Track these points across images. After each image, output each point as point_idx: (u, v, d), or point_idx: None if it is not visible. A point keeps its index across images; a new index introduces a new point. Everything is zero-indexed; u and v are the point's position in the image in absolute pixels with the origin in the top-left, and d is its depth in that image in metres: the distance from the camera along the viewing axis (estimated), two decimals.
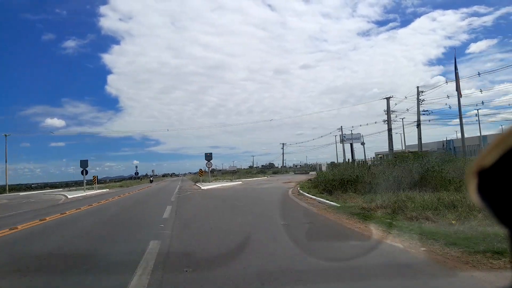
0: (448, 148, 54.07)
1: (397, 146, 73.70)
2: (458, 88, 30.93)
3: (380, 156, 72.11)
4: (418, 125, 35.77)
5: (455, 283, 3.30)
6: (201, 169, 32.87)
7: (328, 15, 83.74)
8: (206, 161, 31.89)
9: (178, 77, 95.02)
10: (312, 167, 80.00)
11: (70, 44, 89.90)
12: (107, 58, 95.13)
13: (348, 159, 60.92)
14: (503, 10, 66.18)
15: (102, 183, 54.86)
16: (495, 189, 0.51)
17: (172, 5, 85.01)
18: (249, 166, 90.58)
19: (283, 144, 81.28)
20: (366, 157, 66.50)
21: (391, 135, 37.63)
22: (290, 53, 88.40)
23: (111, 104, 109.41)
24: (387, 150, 67.92)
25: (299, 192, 16.50)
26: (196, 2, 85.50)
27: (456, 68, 32.59)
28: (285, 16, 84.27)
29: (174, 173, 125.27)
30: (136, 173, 69.67)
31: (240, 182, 33.23)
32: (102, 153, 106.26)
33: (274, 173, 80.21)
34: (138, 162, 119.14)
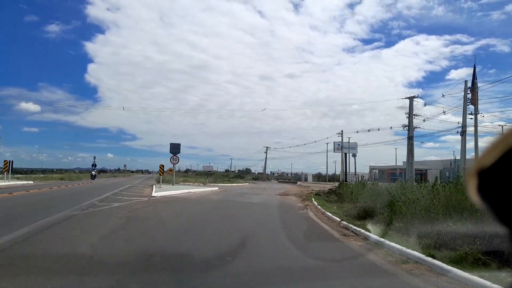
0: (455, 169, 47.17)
1: (391, 162, 67.83)
2: (475, 102, 23.97)
3: (374, 170, 65.37)
4: (409, 141, 28.00)
5: None
6: (162, 166, 23.18)
7: (317, 28, 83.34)
8: (172, 155, 22.34)
9: (160, 73, 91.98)
10: (297, 177, 72.12)
11: (54, 28, 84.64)
12: (90, 47, 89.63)
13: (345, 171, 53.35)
14: (483, 41, 69.31)
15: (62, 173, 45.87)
16: (495, 189, 0.51)
17: (162, 1, 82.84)
18: (226, 170, 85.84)
19: (266, 148, 72.73)
20: (356, 171, 59.36)
21: (412, 144, 29.81)
22: (276, 61, 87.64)
23: (89, 93, 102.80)
24: (381, 164, 60.22)
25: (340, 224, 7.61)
26: (187, 0, 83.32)
27: (475, 78, 25.56)
28: (274, 24, 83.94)
29: (147, 170, 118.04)
30: (94, 165, 58.35)
31: (216, 189, 23.98)
32: (75, 143, 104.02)
33: (255, 179, 71.92)
34: (112, 155, 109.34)
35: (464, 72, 72.98)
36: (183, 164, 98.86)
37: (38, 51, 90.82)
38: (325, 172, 66.02)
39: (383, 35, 79.27)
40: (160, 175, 22.93)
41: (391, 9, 75.07)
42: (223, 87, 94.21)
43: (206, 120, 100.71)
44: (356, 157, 49.96)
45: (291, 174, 77.00)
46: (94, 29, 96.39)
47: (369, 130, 42.01)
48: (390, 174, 54.48)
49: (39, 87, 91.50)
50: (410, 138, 30.10)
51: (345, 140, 51.28)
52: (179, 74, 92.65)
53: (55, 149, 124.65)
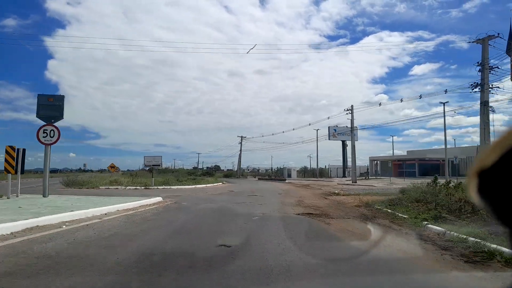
0: None
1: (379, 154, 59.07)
2: None
3: (376, 161, 54.75)
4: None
5: None
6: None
7: (283, 24, 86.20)
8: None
9: (125, 69, 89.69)
10: (279, 172, 60.01)
11: (10, 22, 78.32)
12: (50, 42, 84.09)
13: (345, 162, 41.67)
14: (444, 38, 72.83)
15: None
16: (495, 189, 0.51)
17: None
18: (194, 167, 79.74)
19: (241, 137, 59.70)
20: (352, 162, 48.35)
21: (487, 109, 18.40)
22: (244, 57, 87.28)
23: (50, 90, 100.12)
24: (382, 155, 49.57)
25: None
26: None
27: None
28: (241, 20, 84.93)
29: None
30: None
31: (153, 201, 10.55)
32: (35, 143, 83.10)
33: (227, 176, 58.94)
34: (74, 155, 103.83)
35: (427, 68, 76.04)
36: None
37: None
38: (314, 166, 54.27)
39: (348, 31, 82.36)
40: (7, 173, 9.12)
41: (355, 6, 77.37)
42: (191, 83, 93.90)
43: (174, 117, 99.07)
44: (355, 146, 38.02)
45: (273, 170, 64.47)
46: (54, 24, 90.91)
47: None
48: (397, 166, 43.90)
49: None
50: (483, 104, 18.58)
51: (340, 125, 39.79)
52: (145, 70, 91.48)
53: None
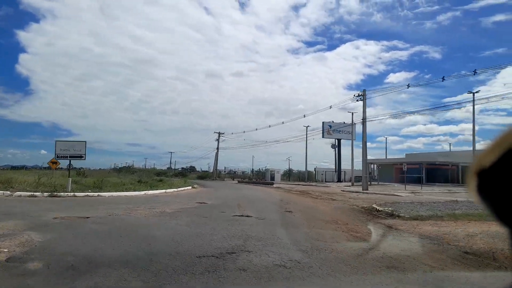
0: None
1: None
2: None
3: (372, 164, 48.76)
4: None
5: None
6: None
7: (262, 28, 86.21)
8: None
9: (100, 66, 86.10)
10: (260, 174, 52.82)
11: None
12: (23, 36, 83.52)
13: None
14: (417, 48, 76.51)
15: None
16: (495, 189, 0.51)
17: None
18: (168, 167, 75.48)
19: (219, 134, 52.00)
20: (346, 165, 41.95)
21: None
22: (223, 59, 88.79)
23: (20, 85, 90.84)
24: (377, 157, 43.67)
25: None
26: None
27: None
28: (221, 22, 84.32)
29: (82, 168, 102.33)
30: None
31: None
32: (6, 139, 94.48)
33: (201, 177, 51.16)
34: (46, 152, 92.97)
35: (402, 76, 78.37)
36: (122, 160, 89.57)
37: None
38: (302, 169, 47.61)
39: (326, 38, 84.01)
40: None
41: (334, 13, 78.40)
42: (168, 83, 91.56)
43: (149, 117, 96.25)
44: (366, 143, 31.46)
45: (253, 172, 57.22)
46: (28, 17, 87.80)
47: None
48: (399, 170, 37.95)
49: None
50: None
51: (333, 123, 33.39)
52: (120, 68, 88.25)
53: None
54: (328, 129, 37.01)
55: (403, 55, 75.50)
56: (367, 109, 26.95)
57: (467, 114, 68.49)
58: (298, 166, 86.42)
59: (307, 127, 41.28)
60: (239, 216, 7.95)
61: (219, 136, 52.31)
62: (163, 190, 15.56)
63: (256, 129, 49.72)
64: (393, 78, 74.63)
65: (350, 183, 34.71)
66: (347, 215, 9.19)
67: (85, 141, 12.85)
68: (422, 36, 73.69)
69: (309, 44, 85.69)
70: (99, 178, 19.22)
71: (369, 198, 16.10)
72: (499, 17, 61.10)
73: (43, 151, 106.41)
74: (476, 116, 24.69)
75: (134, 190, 14.12)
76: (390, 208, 10.33)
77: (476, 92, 25.00)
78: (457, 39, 72.31)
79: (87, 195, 11.65)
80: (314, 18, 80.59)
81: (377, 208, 10.35)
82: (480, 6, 64.14)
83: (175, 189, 17.17)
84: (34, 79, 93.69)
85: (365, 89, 22.67)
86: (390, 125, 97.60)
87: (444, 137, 79.52)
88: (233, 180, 47.93)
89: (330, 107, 29.64)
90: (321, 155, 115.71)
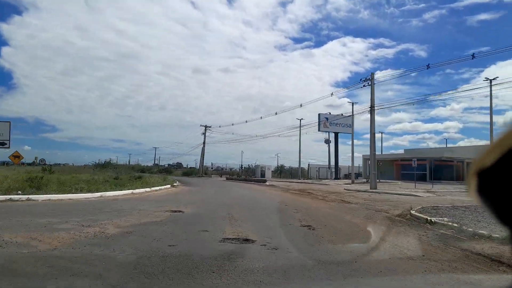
0: None
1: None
2: None
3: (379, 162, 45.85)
4: None
5: None
6: None
7: (250, 24, 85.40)
8: None
9: (84, 60, 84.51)
10: (250, 171, 49.49)
11: None
12: (5, 28, 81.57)
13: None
14: (403, 46, 77.77)
15: None
16: (495, 189, 0.51)
17: None
18: (155, 164, 73.24)
19: (205, 127, 48.34)
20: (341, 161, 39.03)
21: None
22: (209, 55, 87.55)
23: (2, 79, 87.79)
24: (365, 154, 41.19)
25: None
26: None
27: None
28: (207, 16, 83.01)
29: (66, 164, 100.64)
30: None
31: None
32: None
33: (186, 174, 47.68)
34: (30, 148, 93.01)
35: (388, 74, 72.03)
36: (107, 156, 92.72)
37: None
38: (295, 165, 44.58)
39: (313, 35, 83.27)
40: None
41: (321, 10, 77.99)
42: (153, 78, 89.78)
43: (134, 112, 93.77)
44: (374, 134, 28.49)
45: (242, 168, 53.90)
46: (10, 9, 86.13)
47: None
48: (399, 167, 35.29)
49: None
50: None
51: (328, 114, 30.32)
52: (104, 62, 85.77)
53: None
54: (325, 121, 33.88)
55: (389, 53, 75.32)
56: (355, 107, 23.98)
57: (451, 112, 67.39)
58: (286, 163, 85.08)
59: (300, 119, 38.05)
60: (232, 241, 4.57)
61: (205, 130, 48.63)
62: (130, 191, 11.98)
63: (246, 121, 46.28)
64: (379, 75, 74.31)
65: (349, 181, 31.84)
66: (389, 228, 5.99)
67: (9, 122, 9.34)
68: (408, 34, 74.37)
69: (297, 40, 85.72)
70: (70, 175, 16.11)
71: (388, 200, 13.07)
72: (484, 16, 61.79)
73: (26, 147, 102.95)
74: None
75: (89, 191, 10.51)
76: (445, 219, 7.17)
77: (493, 79, 22.35)
78: (443, 37, 72.42)
79: (10, 199, 8.01)
80: (302, 14, 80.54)
81: (426, 217, 7.16)
82: (465, 5, 64.15)
83: (147, 189, 13.60)
84: (16, 73, 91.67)
85: (372, 72, 19.60)
86: (376, 122, 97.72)
87: (429, 134, 79.21)
88: (221, 177, 44.42)
89: (332, 94, 26.44)
90: (307, 153, 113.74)
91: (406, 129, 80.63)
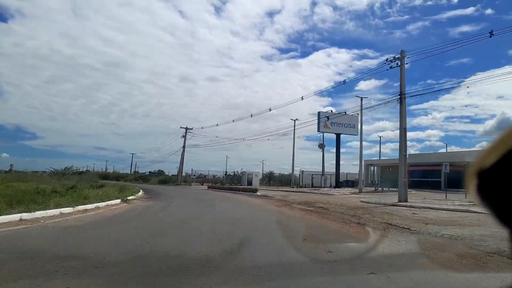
0: None
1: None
2: None
3: (373, 166, 40.79)
4: None
5: None
6: None
7: (237, 34, 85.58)
8: None
9: (70, 68, 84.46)
10: (236, 178, 44.09)
11: None
12: None
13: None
14: (387, 57, 69.55)
15: None
16: (495, 189, 0.51)
17: None
18: (135, 171, 69.59)
19: (186, 129, 42.73)
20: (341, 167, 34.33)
21: None
22: (196, 63, 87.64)
23: None
24: (379, 158, 37.18)
25: None
26: None
27: None
28: (195, 26, 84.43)
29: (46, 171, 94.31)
30: None
31: None
32: None
33: (163, 182, 42.11)
34: (7, 155, 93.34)
35: (372, 84, 78.42)
36: (84, 164, 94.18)
37: None
38: (283, 172, 39.58)
39: (299, 45, 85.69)
40: None
41: (308, 21, 79.77)
42: (139, 86, 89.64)
43: (118, 120, 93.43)
44: (406, 128, 24.14)
45: (227, 175, 48.32)
46: None
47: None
48: (408, 174, 30.85)
49: None
50: None
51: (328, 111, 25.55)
52: (91, 70, 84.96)
53: None
54: (325, 121, 29.12)
55: (373, 63, 77.94)
56: (355, 107, 19.38)
57: (433, 121, 68.24)
58: (272, 170, 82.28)
59: (295, 120, 33.29)
60: None
61: (186, 132, 42.98)
62: (29, 215, 6.51)
63: (233, 121, 41.26)
64: (363, 85, 75.72)
65: (352, 189, 27.18)
66: None
67: None
68: (392, 45, 76.10)
69: (283, 50, 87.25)
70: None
71: (445, 220, 8.41)
72: (465, 28, 62.63)
73: (5, 154, 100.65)
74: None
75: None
76: None
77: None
78: (425, 49, 72.08)
79: None
80: (289, 25, 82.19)
81: None
82: (448, 17, 65.03)
83: (76, 208, 8.14)
84: (0, 80, 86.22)
85: (403, 49, 14.95)
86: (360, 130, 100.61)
87: (411, 142, 79.88)
88: (202, 185, 38.84)
89: (333, 85, 21.70)
90: (295, 159, 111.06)
91: (389, 137, 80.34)
